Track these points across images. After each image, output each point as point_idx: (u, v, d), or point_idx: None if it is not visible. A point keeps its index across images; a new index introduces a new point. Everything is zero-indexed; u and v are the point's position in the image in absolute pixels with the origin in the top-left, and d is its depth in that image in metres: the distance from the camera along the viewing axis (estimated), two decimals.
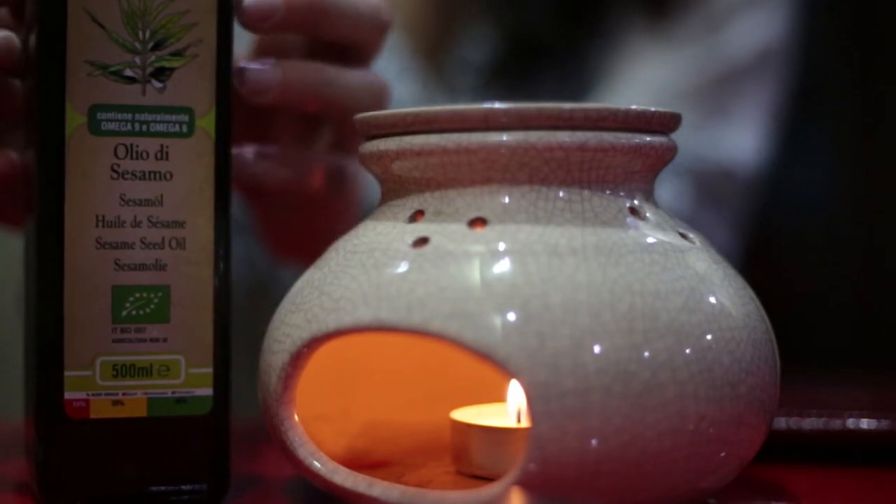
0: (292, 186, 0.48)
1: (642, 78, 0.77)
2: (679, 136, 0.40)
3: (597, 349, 0.34)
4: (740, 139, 0.78)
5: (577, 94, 0.78)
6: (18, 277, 0.44)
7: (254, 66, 0.44)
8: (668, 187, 0.74)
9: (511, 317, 0.34)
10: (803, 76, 0.88)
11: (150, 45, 0.38)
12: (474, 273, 0.35)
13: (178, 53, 0.39)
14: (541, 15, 0.80)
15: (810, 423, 0.47)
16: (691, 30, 0.77)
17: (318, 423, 0.41)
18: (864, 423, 0.47)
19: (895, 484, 0.45)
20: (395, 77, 0.74)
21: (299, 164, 0.48)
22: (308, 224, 0.54)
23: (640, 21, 0.78)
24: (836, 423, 0.47)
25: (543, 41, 0.80)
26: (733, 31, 0.78)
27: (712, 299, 0.36)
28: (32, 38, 0.39)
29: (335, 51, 0.47)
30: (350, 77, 0.47)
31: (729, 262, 0.39)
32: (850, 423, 0.47)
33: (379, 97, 0.48)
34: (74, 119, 0.38)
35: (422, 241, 0.37)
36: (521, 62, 0.79)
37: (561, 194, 0.37)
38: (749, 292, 0.39)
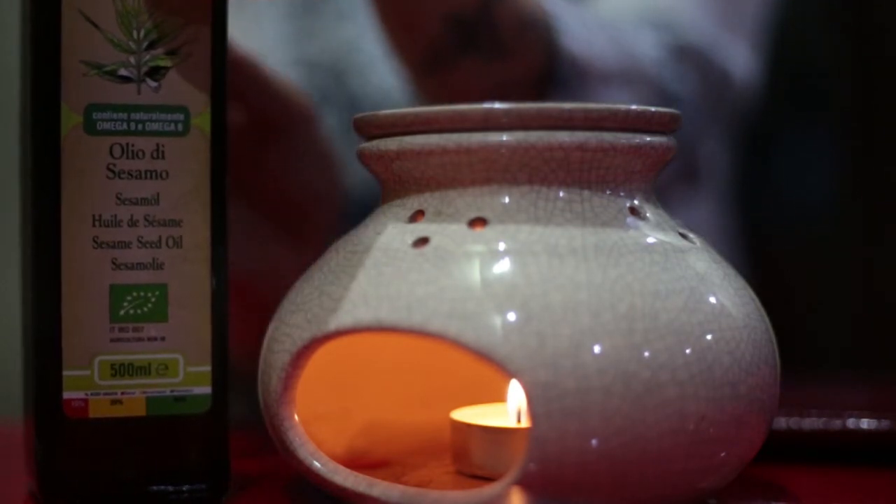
0: None
1: None
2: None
3: (597, 349, 0.34)
4: (739, 51, 0.76)
5: None
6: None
7: None
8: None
9: (511, 317, 0.34)
10: (802, 71, 0.87)
11: (145, 44, 0.38)
12: (474, 273, 0.35)
13: (172, 53, 0.39)
14: None
15: (810, 423, 0.47)
16: None
17: (318, 423, 0.41)
18: (864, 423, 0.47)
19: (895, 484, 0.45)
20: (393, 72, 0.73)
21: None
22: None
23: None
24: (836, 423, 0.47)
25: None
26: None
27: (712, 299, 0.36)
28: (27, 38, 0.39)
29: None
30: None
31: (729, 262, 0.39)
32: (850, 423, 0.47)
33: None
34: (70, 119, 0.38)
35: (422, 241, 0.37)
36: None
37: (561, 194, 0.37)
38: (749, 292, 0.38)
